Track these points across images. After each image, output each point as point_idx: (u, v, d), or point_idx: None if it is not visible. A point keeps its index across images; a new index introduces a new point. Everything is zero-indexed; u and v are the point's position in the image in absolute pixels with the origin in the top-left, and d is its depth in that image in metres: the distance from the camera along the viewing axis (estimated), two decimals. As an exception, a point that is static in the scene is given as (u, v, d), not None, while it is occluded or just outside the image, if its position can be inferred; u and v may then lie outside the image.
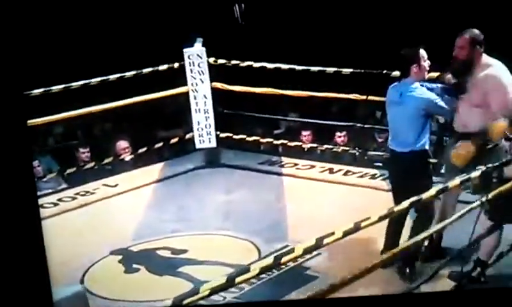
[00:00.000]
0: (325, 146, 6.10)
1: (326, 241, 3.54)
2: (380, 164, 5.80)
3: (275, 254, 3.33)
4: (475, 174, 3.55)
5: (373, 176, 5.67)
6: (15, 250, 2.48)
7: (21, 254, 2.50)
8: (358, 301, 3.63)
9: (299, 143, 6.25)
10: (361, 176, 5.68)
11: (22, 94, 2.52)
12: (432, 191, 3.47)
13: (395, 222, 4.02)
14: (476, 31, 3.88)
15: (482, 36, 3.87)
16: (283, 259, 3.49)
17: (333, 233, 3.51)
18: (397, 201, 3.60)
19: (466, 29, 3.90)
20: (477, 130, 3.85)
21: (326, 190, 5.47)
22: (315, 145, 6.20)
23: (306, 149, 6.22)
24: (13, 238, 2.46)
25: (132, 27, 5.46)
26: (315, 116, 6.28)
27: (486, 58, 3.89)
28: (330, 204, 5.00)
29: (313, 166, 5.94)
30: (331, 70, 5.63)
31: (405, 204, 3.39)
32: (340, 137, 6.43)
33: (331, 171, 5.82)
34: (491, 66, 3.86)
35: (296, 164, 6.06)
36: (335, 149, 6.07)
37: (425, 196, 3.41)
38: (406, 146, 3.96)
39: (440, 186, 3.57)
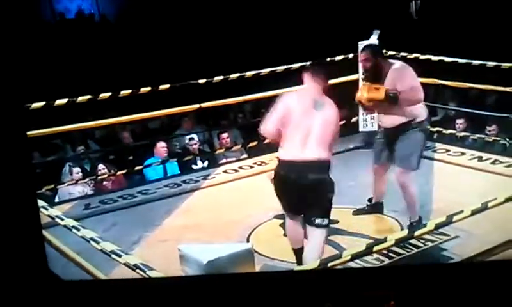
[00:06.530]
0: (477, 135, 5.87)
1: (455, 218, 3.55)
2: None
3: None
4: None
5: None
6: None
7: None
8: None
9: (454, 131, 6.06)
10: (508, 166, 5.37)
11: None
12: None
13: None
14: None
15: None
16: (416, 233, 3.53)
17: (462, 211, 3.53)
18: None
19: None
20: None
21: (473, 178, 5.23)
22: (467, 134, 5.97)
23: (459, 137, 6.01)
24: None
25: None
26: (471, 106, 6.00)
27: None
28: (474, 192, 4.67)
29: (463, 153, 5.76)
30: (491, 64, 5.50)
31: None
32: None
33: (480, 159, 5.62)
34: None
35: (447, 150, 5.90)
36: (486, 139, 5.81)
37: None
38: None
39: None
